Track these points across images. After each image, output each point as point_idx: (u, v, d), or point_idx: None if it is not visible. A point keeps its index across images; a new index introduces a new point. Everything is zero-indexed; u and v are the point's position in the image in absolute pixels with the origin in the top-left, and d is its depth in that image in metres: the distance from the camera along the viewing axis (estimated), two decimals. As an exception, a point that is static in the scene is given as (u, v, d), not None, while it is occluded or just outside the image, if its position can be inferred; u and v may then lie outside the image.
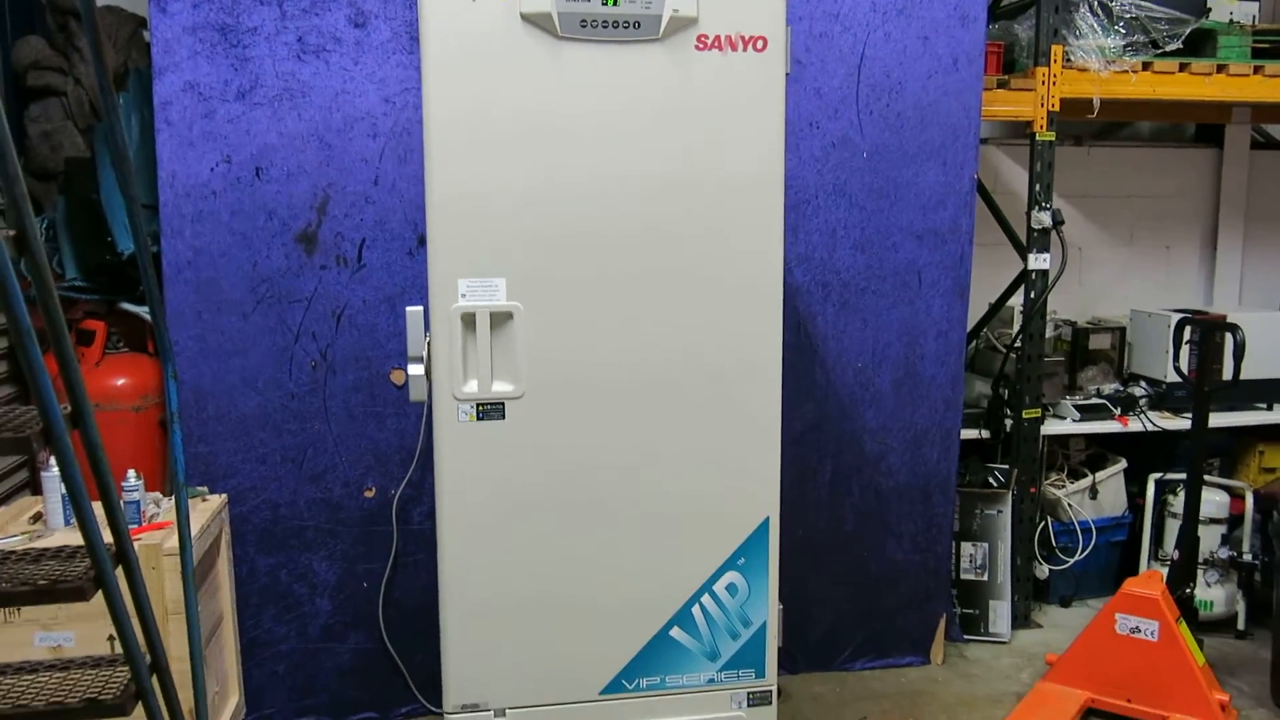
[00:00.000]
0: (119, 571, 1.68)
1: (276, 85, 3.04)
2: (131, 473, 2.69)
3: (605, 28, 2.25)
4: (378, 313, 3.16)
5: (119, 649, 1.77)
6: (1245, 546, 3.98)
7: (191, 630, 2.21)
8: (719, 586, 2.48)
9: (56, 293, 1.42)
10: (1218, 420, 4.16)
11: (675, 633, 2.48)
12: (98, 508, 1.58)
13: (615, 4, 2.24)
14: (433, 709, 3.33)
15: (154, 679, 1.87)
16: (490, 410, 2.33)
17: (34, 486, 3.29)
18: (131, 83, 3.42)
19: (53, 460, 2.71)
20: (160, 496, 2.91)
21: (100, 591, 1.59)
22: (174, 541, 2.56)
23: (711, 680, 2.52)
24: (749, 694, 2.54)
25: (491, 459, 2.34)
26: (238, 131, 3.03)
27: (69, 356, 1.46)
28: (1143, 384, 4.33)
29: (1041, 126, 3.69)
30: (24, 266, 1.45)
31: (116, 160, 1.77)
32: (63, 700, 1.78)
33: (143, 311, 3.31)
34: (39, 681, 1.88)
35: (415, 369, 2.35)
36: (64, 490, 2.65)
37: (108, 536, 1.68)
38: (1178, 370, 3.55)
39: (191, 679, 2.30)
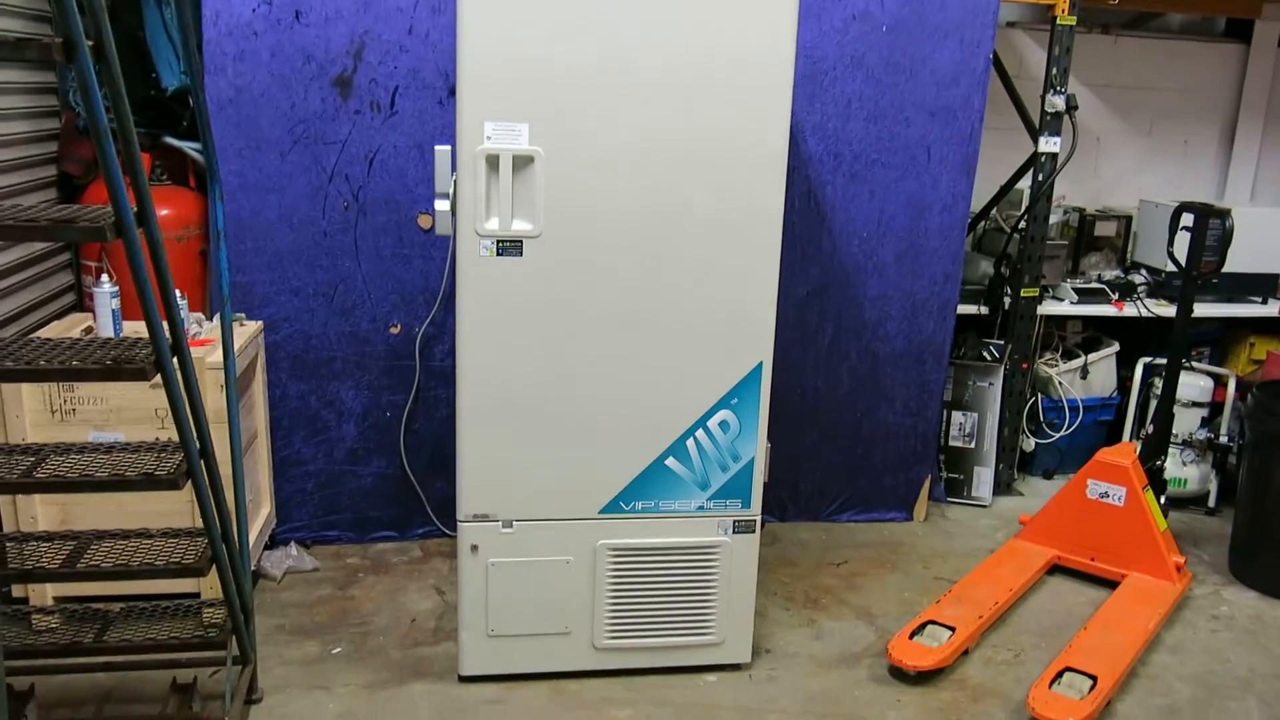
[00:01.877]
0: (174, 363, 1.90)
1: (318, -72, 3.15)
2: (176, 292, 2.90)
3: (633, -115, 2.35)
4: (408, 158, 3.33)
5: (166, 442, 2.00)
6: (1223, 430, 4.17)
7: (233, 432, 2.44)
8: (713, 422, 2.70)
9: (126, 99, 1.59)
10: (1212, 310, 4.32)
11: (670, 462, 2.71)
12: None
13: None
14: (446, 531, 3.61)
15: (202, 463, 2.12)
16: (509, 247, 2.52)
17: (79, 307, 3.52)
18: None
19: (104, 277, 2.94)
20: (202, 317, 3.14)
21: (159, 374, 1.81)
22: (216, 356, 2.80)
23: (701, 507, 2.76)
24: (735, 521, 2.78)
25: (508, 291, 2.54)
26: (279, -28, 3.16)
27: (136, 158, 1.65)
28: (1143, 272, 4.47)
29: (1064, 10, 3.75)
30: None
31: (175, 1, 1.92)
32: (123, 474, 2.02)
33: (186, 146, 3.48)
34: (100, 459, 2.12)
35: (441, 204, 2.53)
36: (114, 306, 2.89)
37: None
38: (1172, 256, 3.68)
39: (233, 479, 2.54)
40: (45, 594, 2.87)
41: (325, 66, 3.23)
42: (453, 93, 3.24)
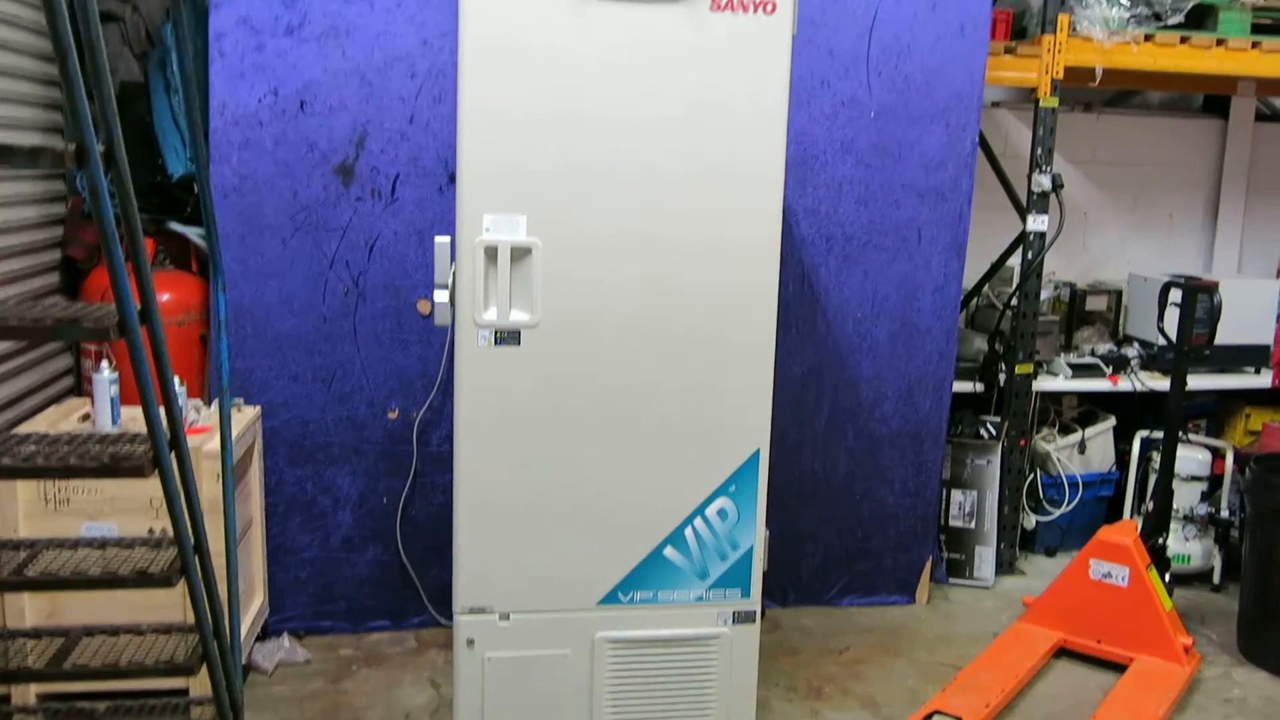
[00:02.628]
0: (172, 458, 1.90)
1: (323, 23, 3.22)
2: (175, 379, 2.90)
3: (628, -15, 2.41)
4: (408, 244, 3.36)
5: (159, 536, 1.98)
6: (1224, 504, 4.16)
7: (228, 524, 2.43)
8: (710, 511, 2.69)
9: (135, 201, 1.61)
10: (1207, 383, 4.34)
11: (669, 551, 2.69)
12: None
13: (638, -37, 2.40)
14: (443, 621, 3.57)
15: (196, 559, 2.10)
16: (507, 337, 2.53)
17: (78, 391, 3.52)
18: (186, 12, 3.60)
19: (104, 363, 2.94)
20: (200, 404, 3.14)
21: (156, 471, 1.81)
22: (213, 445, 2.79)
23: (700, 598, 2.73)
24: (734, 612, 2.75)
25: (506, 381, 2.55)
26: (285, 65, 3.22)
27: (143, 261, 1.66)
28: (1136, 345, 4.49)
29: (1045, 93, 3.83)
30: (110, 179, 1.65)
31: (185, 87, 1.96)
32: (115, 571, 2.01)
33: (189, 231, 3.50)
34: (92, 556, 2.10)
35: (440, 295, 2.54)
36: (112, 393, 2.89)
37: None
38: (1162, 331, 3.71)
39: (226, 571, 2.52)
40: (29, 692, 2.82)
41: (328, 155, 3.28)
42: (453, 180, 3.29)
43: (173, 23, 1.84)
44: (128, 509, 2.84)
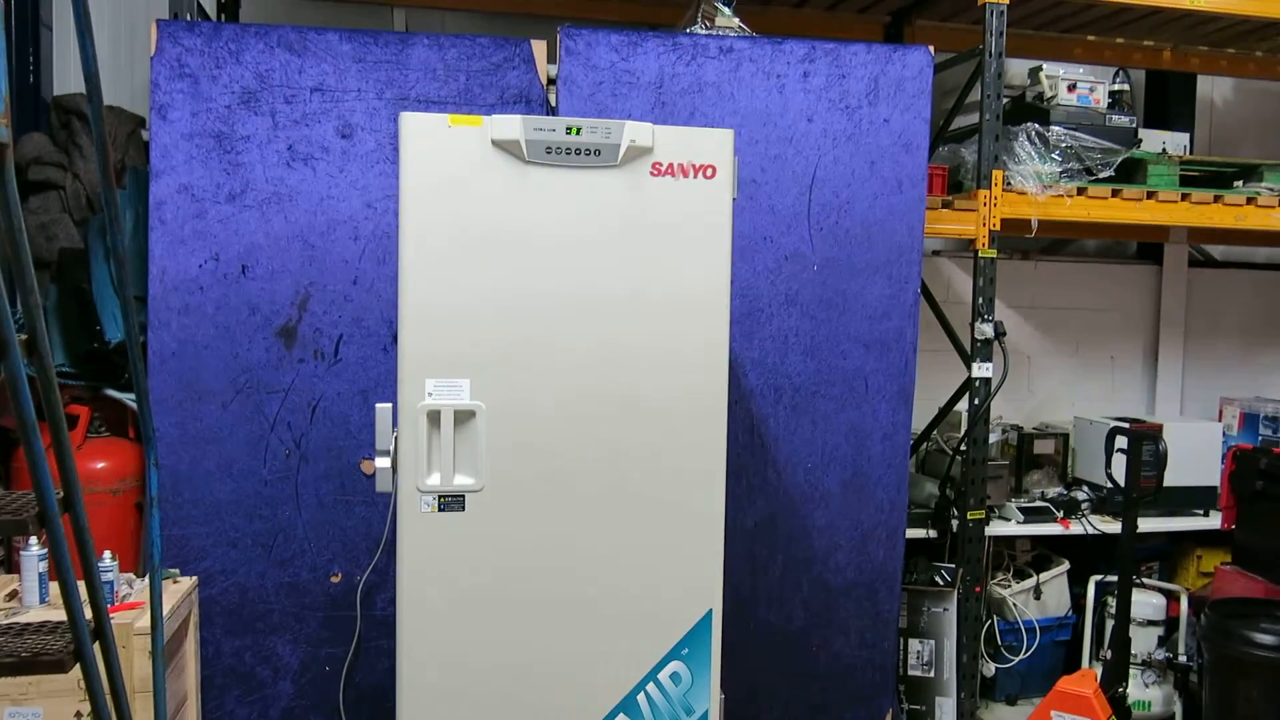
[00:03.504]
0: (95, 648, 1.81)
1: (266, 189, 3.25)
2: (107, 554, 2.81)
3: (568, 154, 2.47)
4: (351, 405, 3.33)
5: (90, 721, 1.88)
6: (1181, 648, 4.13)
7: (158, 709, 2.32)
8: (663, 675, 2.61)
9: (58, 390, 1.58)
10: (1157, 525, 4.36)
11: (621, 719, 2.60)
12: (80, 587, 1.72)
13: (578, 133, 2.47)
14: (389, 793, 3.41)
15: (121, 751, 1.99)
16: (451, 502, 2.49)
17: (8, 565, 3.40)
18: (129, 180, 3.63)
19: (32, 541, 2.84)
20: (133, 577, 3.03)
21: (78, 664, 1.72)
22: (144, 621, 2.68)
23: (655, 766, 2.64)
24: (691, 781, 2.66)
25: (451, 548, 2.49)
26: (227, 231, 3.23)
27: (66, 449, 1.62)
28: (1085, 488, 4.52)
29: (984, 244, 3.94)
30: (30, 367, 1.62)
31: (115, 261, 1.95)
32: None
33: (126, 398, 3.46)
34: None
35: (382, 461, 2.51)
36: (41, 569, 2.80)
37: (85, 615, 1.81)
38: (1110, 477, 3.74)
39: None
40: None
41: (270, 317, 3.27)
42: (396, 339, 3.29)
43: (105, 198, 1.84)
44: (53, 691, 2.69)
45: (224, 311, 3.24)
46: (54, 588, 2.90)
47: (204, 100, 3.20)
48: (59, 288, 3.60)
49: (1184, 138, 4.54)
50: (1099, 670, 3.63)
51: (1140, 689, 4.06)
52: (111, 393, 3.46)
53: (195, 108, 3.20)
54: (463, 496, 2.49)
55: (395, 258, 3.26)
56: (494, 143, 2.45)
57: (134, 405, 3.46)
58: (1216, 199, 4.13)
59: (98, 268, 3.47)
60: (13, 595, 2.92)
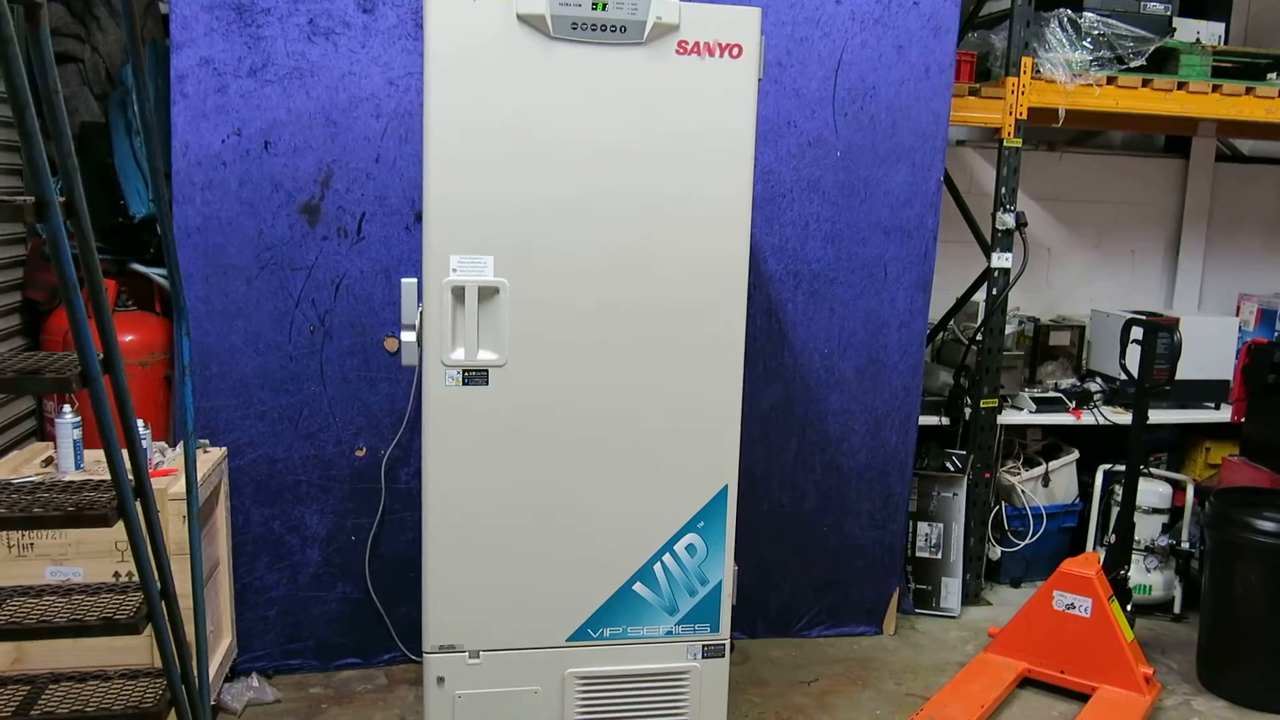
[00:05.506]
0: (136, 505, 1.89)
1: (287, 64, 3.23)
2: (140, 422, 2.88)
3: (594, 30, 2.45)
4: (374, 283, 3.37)
5: (124, 580, 1.97)
6: (1184, 536, 4.22)
7: (195, 568, 2.42)
8: (679, 546, 2.70)
9: (96, 251, 1.62)
10: (1168, 417, 4.41)
11: (638, 587, 2.70)
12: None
13: (604, 8, 2.44)
14: (413, 657, 3.55)
15: (163, 604, 2.08)
16: (475, 376, 2.54)
17: (40, 434, 3.50)
18: (148, 52, 3.60)
19: (66, 407, 2.92)
20: (165, 446, 3.12)
21: (121, 519, 1.80)
22: (178, 487, 2.77)
23: (669, 633, 2.74)
24: (704, 646, 2.77)
25: (474, 421, 2.56)
26: (249, 106, 3.22)
27: (105, 311, 1.67)
28: (1099, 380, 4.56)
29: (1009, 133, 3.90)
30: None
31: (144, 130, 1.96)
32: (82, 619, 1.99)
33: (152, 272, 3.50)
34: (59, 603, 2.08)
35: (408, 336, 2.56)
36: (75, 436, 2.88)
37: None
38: (1124, 368, 3.77)
39: (194, 614, 2.50)
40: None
41: (293, 194, 3.29)
42: (419, 218, 3.31)
43: (133, 66, 1.85)
44: (93, 553, 2.81)
45: (247, 187, 3.26)
46: (89, 455, 2.99)
47: (224, -29, 3.17)
48: (81, 162, 3.60)
49: (1219, 28, 4.43)
50: (1102, 554, 3.72)
51: (1142, 574, 4.17)
52: (138, 267, 3.50)
53: (215, -22, 3.17)
54: (486, 371, 2.54)
55: (418, 136, 3.27)
56: (520, 17, 2.43)
57: (160, 279, 3.51)
58: (1248, 91, 4.06)
59: (119, 142, 3.47)
60: (48, 461, 3.02)
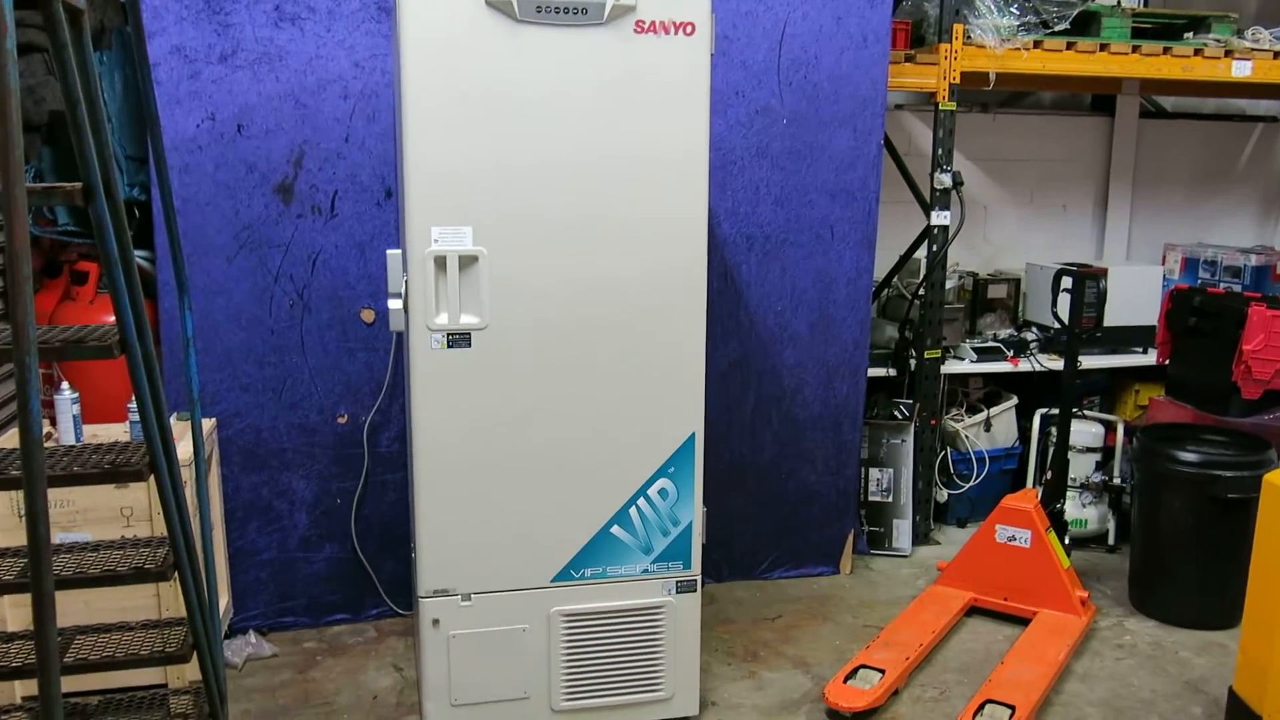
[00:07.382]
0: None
1: (256, 50, 3.37)
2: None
3: (557, 13, 2.63)
4: (349, 257, 3.53)
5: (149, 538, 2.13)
6: (1116, 472, 4.53)
7: (204, 524, 2.59)
8: (652, 491, 2.92)
9: (128, 232, 1.78)
10: (1100, 362, 4.71)
11: (616, 530, 2.92)
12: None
13: (567, -8, 2.62)
14: (400, 611, 3.75)
15: (185, 555, 2.26)
16: (459, 339, 2.73)
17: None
18: (114, 41, 3.71)
19: (64, 384, 3.07)
20: (160, 418, 3.27)
21: (153, 474, 1.98)
22: (184, 453, 2.93)
23: (645, 570, 2.97)
24: (677, 582, 3.00)
25: (459, 381, 2.75)
26: (221, 91, 3.36)
27: (136, 287, 1.84)
28: (1034, 329, 4.84)
29: (944, 97, 4.14)
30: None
31: (149, 119, 2.10)
32: (114, 569, 2.17)
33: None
34: (87, 558, 2.25)
35: (395, 303, 2.73)
36: (74, 412, 3.02)
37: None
38: (1056, 315, 4.04)
39: (203, 566, 2.67)
40: (14, 693, 2.94)
41: (267, 175, 3.43)
42: (389, 194, 3.48)
43: (136, 58, 2.00)
44: (99, 519, 2.97)
45: (223, 170, 3.40)
46: (87, 429, 3.14)
47: (193, -40, 3.29)
48: (54, 150, 3.71)
49: (1139, -10, 4.69)
50: (1040, 491, 4.00)
51: (1078, 509, 4.47)
52: (119, 249, 3.62)
53: (184, -33, 3.29)
54: (469, 334, 2.73)
55: (385, 115, 3.44)
56: (488, 3, 2.60)
57: (142, 261, 3.63)
58: (1165, 50, 4.32)
59: (96, 129, 3.58)
60: (48, 437, 3.15)
